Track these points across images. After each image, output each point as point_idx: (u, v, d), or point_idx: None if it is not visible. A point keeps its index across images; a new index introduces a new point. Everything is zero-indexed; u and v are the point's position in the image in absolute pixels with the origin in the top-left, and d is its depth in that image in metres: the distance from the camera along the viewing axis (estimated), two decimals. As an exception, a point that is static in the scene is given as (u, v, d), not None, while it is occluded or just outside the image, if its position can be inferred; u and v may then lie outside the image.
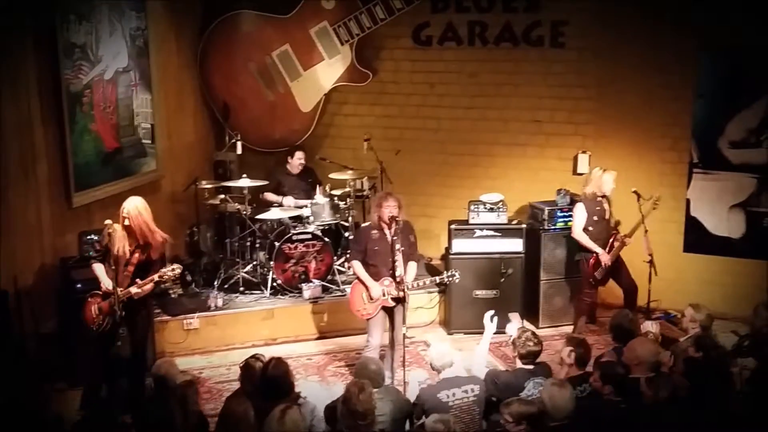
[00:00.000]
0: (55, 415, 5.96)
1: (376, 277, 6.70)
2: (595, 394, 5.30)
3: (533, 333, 5.78)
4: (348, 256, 7.12)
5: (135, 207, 6.18)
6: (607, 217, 7.76)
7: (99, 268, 6.26)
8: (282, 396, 5.03)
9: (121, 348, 6.23)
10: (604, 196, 7.72)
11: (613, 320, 6.19)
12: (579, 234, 7.77)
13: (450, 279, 6.90)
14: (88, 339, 6.28)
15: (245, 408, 4.69)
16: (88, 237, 6.96)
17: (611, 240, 7.70)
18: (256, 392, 5.20)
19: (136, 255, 6.18)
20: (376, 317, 6.76)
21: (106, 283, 6.15)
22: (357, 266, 6.79)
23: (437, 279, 7.03)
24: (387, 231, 6.67)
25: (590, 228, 7.74)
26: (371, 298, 6.70)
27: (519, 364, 5.76)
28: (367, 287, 6.70)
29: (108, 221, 6.15)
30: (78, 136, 7.35)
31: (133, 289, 6.14)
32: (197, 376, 7.19)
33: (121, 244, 6.14)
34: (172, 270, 6.29)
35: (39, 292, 6.79)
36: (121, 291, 6.07)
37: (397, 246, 6.47)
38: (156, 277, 6.22)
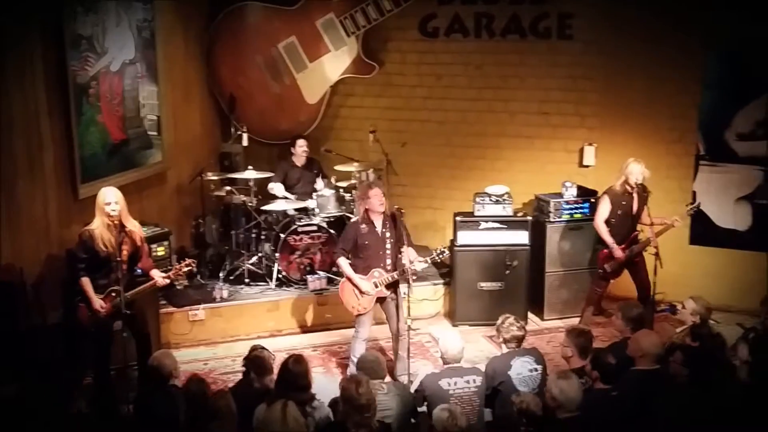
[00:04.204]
0: (62, 406, 6.00)
1: (367, 270, 6.76)
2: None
3: (516, 318, 5.77)
4: (334, 253, 7.10)
5: (119, 194, 6.21)
6: (633, 212, 7.66)
7: (87, 284, 6.18)
8: (299, 393, 5.00)
9: (126, 341, 6.24)
10: (634, 191, 7.60)
11: (630, 312, 6.00)
12: (598, 224, 7.75)
13: (440, 256, 6.93)
14: (88, 335, 6.33)
15: (227, 402, 4.69)
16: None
17: (632, 237, 7.66)
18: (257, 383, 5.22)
19: (125, 249, 6.16)
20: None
21: (96, 302, 6.15)
22: (344, 264, 6.81)
23: (428, 259, 6.92)
24: (377, 223, 6.70)
25: (612, 220, 7.69)
26: (363, 293, 6.74)
27: (504, 350, 5.76)
28: (355, 285, 6.73)
29: (85, 228, 6.19)
30: (84, 128, 7.37)
31: (162, 281, 6.37)
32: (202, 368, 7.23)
33: (107, 241, 6.11)
34: (187, 266, 6.49)
35: (46, 284, 6.81)
36: (137, 289, 6.27)
37: (387, 234, 6.65)
38: (172, 273, 6.45)
